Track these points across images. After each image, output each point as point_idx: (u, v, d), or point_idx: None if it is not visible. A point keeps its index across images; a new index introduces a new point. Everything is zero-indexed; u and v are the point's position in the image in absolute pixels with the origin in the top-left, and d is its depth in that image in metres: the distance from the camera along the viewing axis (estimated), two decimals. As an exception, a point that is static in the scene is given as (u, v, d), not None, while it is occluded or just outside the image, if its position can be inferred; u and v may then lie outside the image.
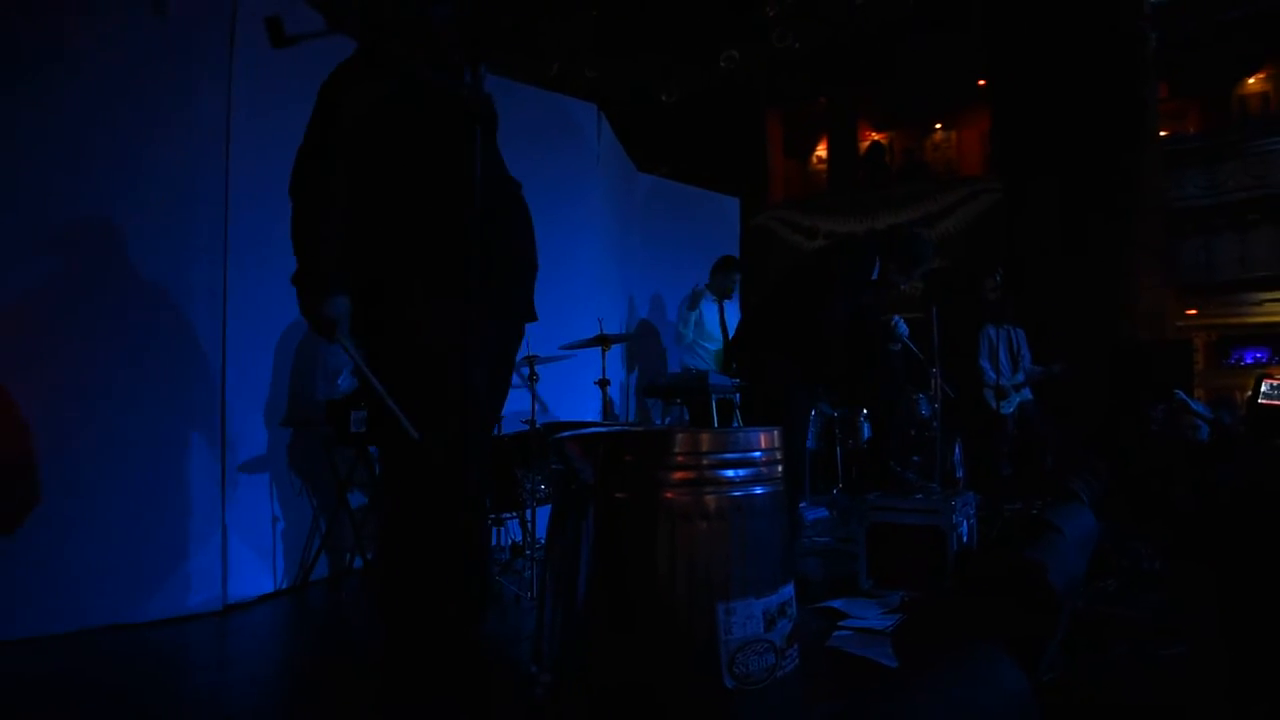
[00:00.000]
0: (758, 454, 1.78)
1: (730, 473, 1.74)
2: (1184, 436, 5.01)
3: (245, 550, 3.71)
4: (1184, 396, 5.01)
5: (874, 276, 4.10)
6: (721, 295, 6.21)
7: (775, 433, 1.87)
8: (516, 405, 4.13)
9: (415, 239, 2.29)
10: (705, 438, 1.75)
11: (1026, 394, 7.34)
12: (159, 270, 3.39)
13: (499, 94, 5.15)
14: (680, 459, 1.72)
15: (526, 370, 3.89)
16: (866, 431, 7.39)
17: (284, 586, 3.94)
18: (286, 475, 4.04)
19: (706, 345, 6.20)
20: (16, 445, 3.06)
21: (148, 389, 3.35)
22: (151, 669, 2.87)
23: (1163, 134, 11.70)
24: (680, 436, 1.75)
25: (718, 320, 6.18)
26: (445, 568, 2.31)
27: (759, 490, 1.77)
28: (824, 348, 3.99)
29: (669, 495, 1.71)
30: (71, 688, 2.70)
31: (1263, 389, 5.12)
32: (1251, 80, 14.29)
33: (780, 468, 1.85)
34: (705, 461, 1.72)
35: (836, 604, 3.45)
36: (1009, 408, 7.33)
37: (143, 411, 3.33)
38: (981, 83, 13.38)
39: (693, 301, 6.19)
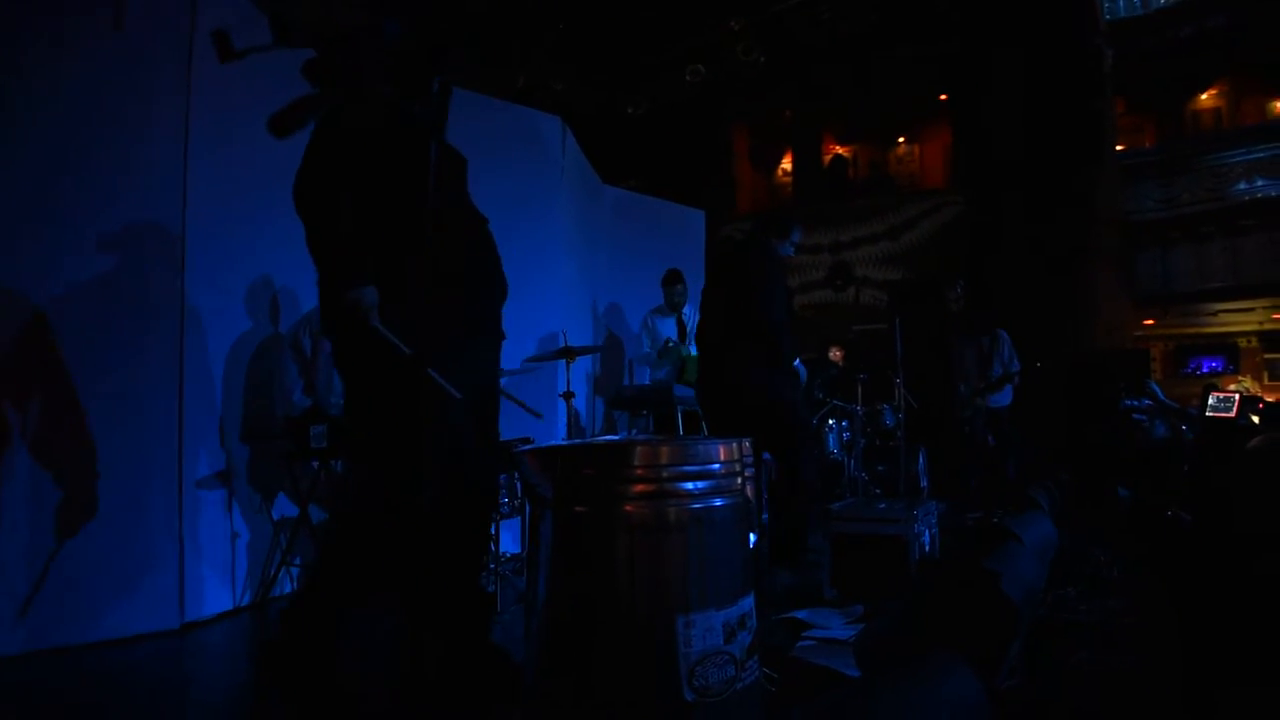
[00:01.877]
0: (717, 466, 1.78)
1: (690, 485, 1.74)
2: (1155, 433, 5.11)
3: (204, 567, 3.65)
4: (1155, 387, 5.11)
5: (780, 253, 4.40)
6: (671, 309, 6.23)
7: (735, 444, 1.87)
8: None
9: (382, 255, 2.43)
10: (664, 450, 1.75)
11: (996, 401, 7.35)
12: (116, 283, 3.33)
13: (462, 106, 5.15)
14: (639, 472, 1.72)
15: (490, 383, 3.86)
16: (832, 441, 7.44)
17: (244, 603, 3.88)
18: (246, 491, 3.99)
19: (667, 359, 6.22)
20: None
21: (104, 404, 3.29)
22: (104, 691, 2.81)
23: (1120, 148, 11.94)
24: (639, 449, 1.75)
25: (674, 333, 6.21)
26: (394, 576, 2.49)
27: (718, 502, 1.78)
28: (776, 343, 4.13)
29: (628, 508, 1.71)
30: (21, 711, 2.63)
31: (1210, 402, 5.21)
32: (1204, 96, 14.64)
33: (740, 480, 1.86)
34: (664, 474, 1.72)
35: (801, 614, 3.46)
36: (965, 414, 7.38)
37: (99, 426, 3.27)
38: (943, 97, 13.60)
39: (647, 323, 6.26)
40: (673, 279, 6.19)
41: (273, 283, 4.16)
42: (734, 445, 1.87)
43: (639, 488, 1.72)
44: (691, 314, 6.25)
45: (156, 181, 3.45)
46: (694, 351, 6.11)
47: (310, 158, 2.43)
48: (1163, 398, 4.85)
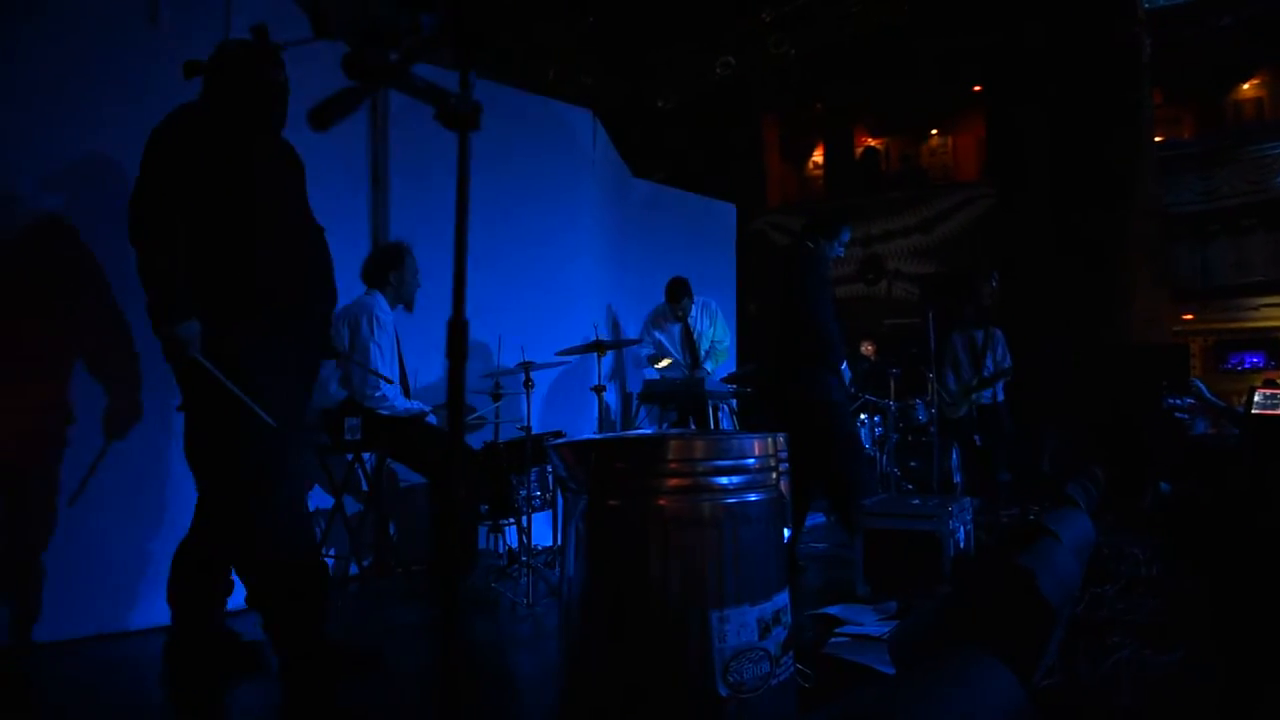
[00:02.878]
0: (752, 460, 1.77)
1: (724, 480, 1.73)
2: (1195, 430, 5.01)
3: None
4: (1201, 385, 5.00)
5: (830, 255, 4.53)
6: (675, 318, 6.08)
7: (770, 439, 1.86)
8: (513, 411, 4.13)
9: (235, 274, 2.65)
10: (699, 445, 1.74)
11: (988, 398, 7.26)
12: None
13: (494, 100, 5.15)
14: (673, 466, 1.71)
15: (522, 376, 3.87)
16: (864, 437, 7.39)
17: (279, 594, 3.92)
18: (281, 483, 4.03)
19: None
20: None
21: (140, 400, 3.34)
22: (144, 677, 2.86)
23: (1158, 139, 11.72)
24: (673, 444, 1.74)
25: (678, 340, 6.10)
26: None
27: (753, 497, 1.77)
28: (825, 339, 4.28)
29: (662, 502, 1.71)
30: (69, 694, 2.69)
31: (1256, 399, 5.08)
32: (1246, 86, 14.33)
33: (774, 475, 1.85)
34: (699, 469, 1.72)
35: (833, 610, 3.45)
36: (956, 414, 7.29)
37: (136, 422, 3.32)
38: (977, 89, 13.42)
39: (648, 330, 6.12)
40: (678, 292, 5.99)
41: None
42: (769, 440, 1.86)
43: (673, 482, 1.71)
44: (701, 320, 6.11)
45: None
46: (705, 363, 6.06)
47: (144, 181, 2.61)
48: (1208, 395, 4.74)
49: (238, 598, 2.99)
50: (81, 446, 3.19)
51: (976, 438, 7.27)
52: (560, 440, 1.86)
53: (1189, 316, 13.84)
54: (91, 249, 3.23)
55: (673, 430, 2.30)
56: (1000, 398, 7.22)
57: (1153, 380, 7.98)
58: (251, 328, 2.64)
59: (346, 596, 3.92)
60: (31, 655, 3.04)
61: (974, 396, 7.18)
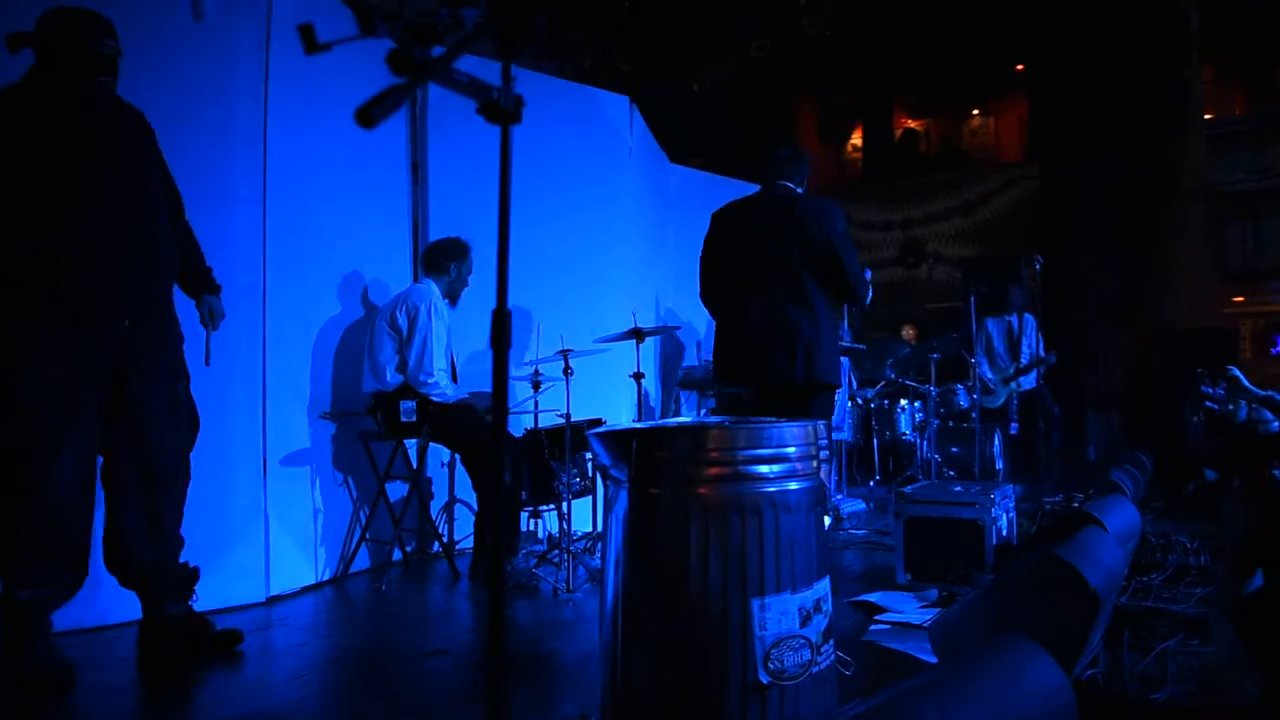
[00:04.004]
0: (792, 449, 1.78)
1: (764, 469, 1.74)
2: (1238, 418, 4.89)
3: (287, 542, 3.77)
4: (1238, 373, 4.88)
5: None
6: None
7: (811, 428, 1.86)
8: (552, 398, 4.17)
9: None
10: (739, 434, 1.75)
11: (1026, 384, 7.16)
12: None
13: (531, 87, 5.16)
14: (714, 455, 1.72)
15: (562, 364, 3.90)
16: (904, 423, 7.34)
17: (325, 578, 4.01)
18: (328, 468, 4.11)
19: None
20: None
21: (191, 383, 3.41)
22: (199, 656, 2.93)
23: (1208, 117, 11.43)
24: (714, 433, 1.75)
25: None
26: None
27: (794, 486, 1.77)
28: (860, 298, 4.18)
29: (702, 491, 1.72)
30: (120, 677, 2.77)
31: None
32: (1301, 60, 13.90)
33: (814, 463, 1.85)
34: (739, 458, 1.72)
35: (873, 597, 3.44)
36: (994, 402, 7.20)
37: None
38: (1019, 67, 13.17)
39: None
40: None
41: (353, 264, 4.26)
42: (810, 428, 1.86)
43: (713, 471, 1.72)
44: None
45: (238, 169, 3.55)
46: None
47: None
48: (1246, 383, 4.60)
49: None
50: None
51: (1013, 426, 7.18)
52: (601, 429, 1.87)
53: (1239, 299, 13.52)
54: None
55: (712, 419, 2.30)
56: (1034, 385, 7.13)
57: (1199, 365, 7.82)
58: (15, 308, 2.64)
59: (390, 579, 3.98)
60: None
61: (1013, 384, 7.10)
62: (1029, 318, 7.14)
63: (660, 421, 2.47)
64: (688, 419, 2.37)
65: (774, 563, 1.71)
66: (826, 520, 2.40)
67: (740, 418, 2.45)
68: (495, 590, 1.18)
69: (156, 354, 2.90)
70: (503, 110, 1.17)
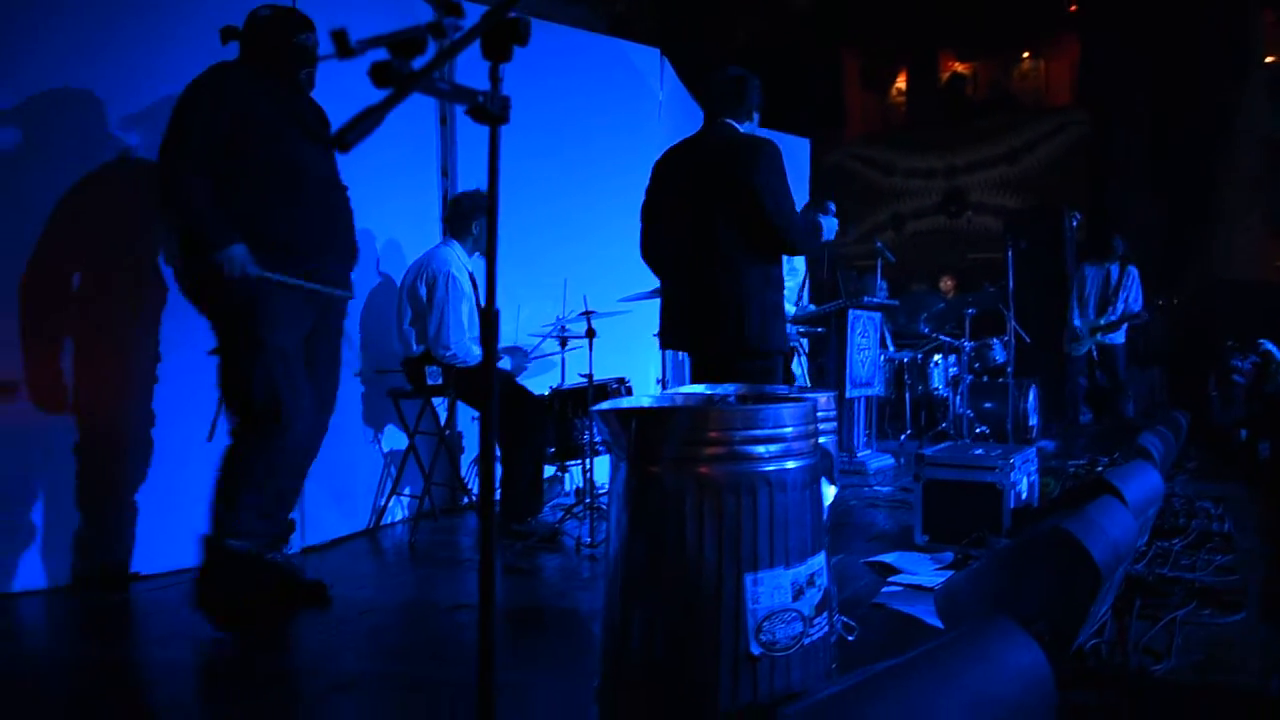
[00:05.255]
0: (789, 429, 1.81)
1: (760, 449, 1.77)
2: (1271, 393, 4.82)
3: (321, 495, 3.91)
4: (1271, 347, 4.79)
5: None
6: None
7: (810, 406, 1.89)
8: (576, 361, 4.22)
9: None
10: (738, 415, 1.79)
11: (1112, 338, 7.04)
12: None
13: (558, 41, 5.09)
14: (712, 436, 1.76)
15: (585, 324, 3.95)
16: (937, 377, 7.30)
17: (358, 530, 4.16)
18: (359, 424, 4.23)
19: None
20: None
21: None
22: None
23: (1268, 60, 10.96)
24: (713, 414, 1.79)
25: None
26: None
27: (790, 465, 1.81)
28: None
29: (702, 470, 1.76)
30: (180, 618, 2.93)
31: None
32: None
33: (812, 441, 1.89)
34: (736, 439, 1.76)
35: (889, 558, 3.49)
36: (1078, 350, 7.10)
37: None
38: (1073, 8, 12.71)
39: None
40: None
41: (386, 221, 4.31)
42: (809, 407, 1.89)
43: (711, 450, 1.76)
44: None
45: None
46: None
47: (170, 134, 2.80)
48: (1279, 356, 4.50)
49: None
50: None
51: (1099, 375, 7.12)
52: (603, 405, 1.92)
53: (1295, 250, 13.09)
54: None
55: (715, 395, 2.32)
56: (1121, 340, 7.04)
57: (1246, 320, 7.65)
58: (274, 268, 2.86)
59: (420, 532, 4.12)
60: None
61: (1099, 336, 6.99)
62: (1132, 269, 6.99)
63: (666, 395, 2.52)
64: (695, 391, 2.40)
65: (768, 539, 1.76)
66: (830, 491, 2.44)
67: (753, 389, 2.48)
68: (485, 603, 1.24)
69: (336, 314, 3.24)
70: (490, 113, 1.20)
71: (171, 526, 3.33)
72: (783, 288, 3.47)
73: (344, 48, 1.11)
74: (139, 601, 3.17)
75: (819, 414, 2.00)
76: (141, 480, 3.38)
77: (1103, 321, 6.95)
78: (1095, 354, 7.06)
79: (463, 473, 4.52)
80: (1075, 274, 7.33)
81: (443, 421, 4.26)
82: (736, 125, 3.42)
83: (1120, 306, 6.91)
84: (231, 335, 2.89)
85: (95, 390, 3.31)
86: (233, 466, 2.87)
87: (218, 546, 2.81)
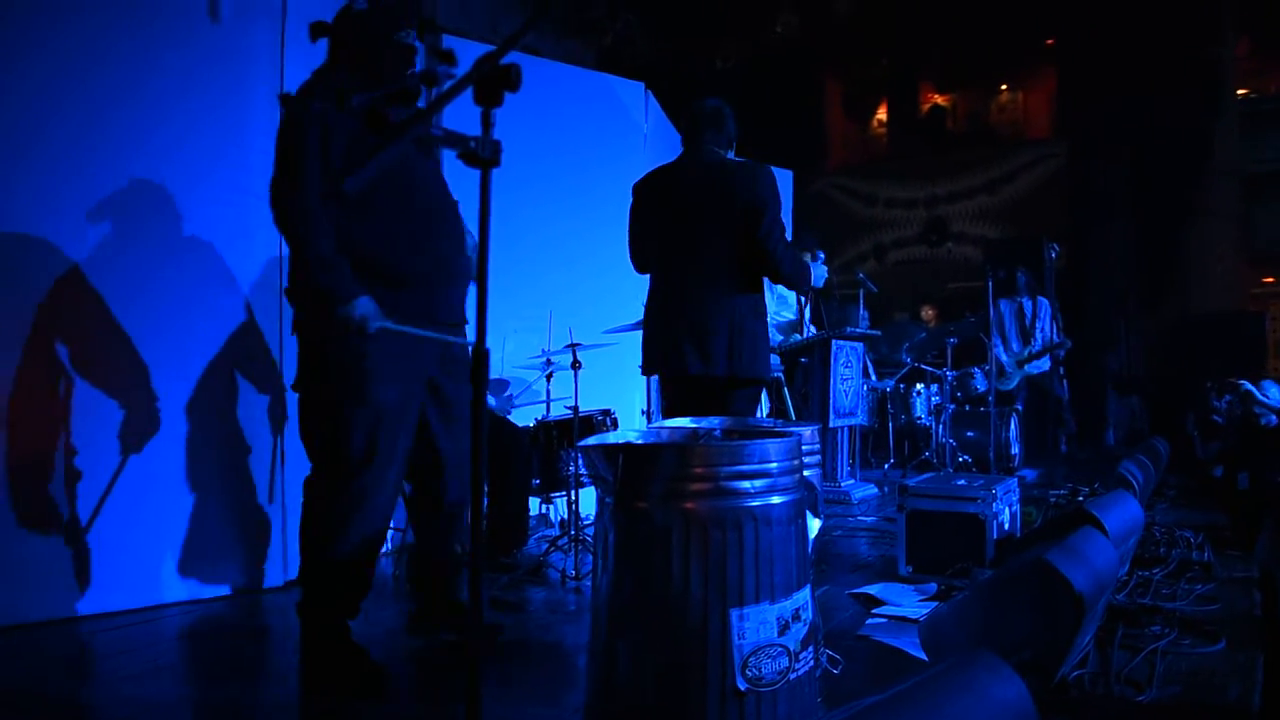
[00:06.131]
0: (774, 465, 1.83)
1: (747, 484, 1.79)
2: (1251, 424, 4.89)
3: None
4: (1250, 387, 4.86)
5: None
6: None
7: (795, 441, 1.92)
8: (561, 391, 4.24)
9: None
10: (724, 451, 1.81)
11: (1035, 368, 7.19)
12: (215, 267, 3.54)
13: (544, 76, 5.14)
14: (698, 472, 1.78)
15: (570, 356, 3.97)
16: (920, 406, 7.36)
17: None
18: (343, 456, 4.21)
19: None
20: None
21: (208, 376, 3.52)
22: (223, 641, 3.06)
23: (1242, 93, 11.21)
24: (700, 450, 1.82)
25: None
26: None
27: (775, 500, 1.83)
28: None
29: (687, 506, 1.78)
30: (145, 661, 2.90)
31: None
32: (1342, 33, 13.55)
33: (797, 476, 1.91)
34: (722, 474, 1.78)
35: (873, 589, 3.50)
36: (1007, 385, 7.22)
37: (207, 398, 3.51)
38: (1050, 41, 12.95)
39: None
40: None
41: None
42: (794, 442, 1.91)
43: (697, 486, 1.78)
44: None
45: (254, 165, 3.61)
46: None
47: (281, 163, 2.50)
48: (1260, 397, 4.57)
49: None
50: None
51: (1018, 408, 7.22)
52: (590, 441, 1.94)
53: (1270, 280, 13.32)
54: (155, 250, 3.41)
55: (700, 429, 2.34)
56: (1046, 367, 7.18)
57: (1224, 349, 7.76)
58: (385, 310, 2.54)
59: (404, 563, 4.09)
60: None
61: (1027, 368, 7.13)
62: (1043, 301, 7.16)
63: (652, 430, 2.53)
64: (681, 425, 2.43)
65: (754, 575, 1.77)
66: (815, 523, 2.46)
67: (737, 422, 2.51)
68: (474, 637, 1.25)
69: (460, 357, 2.87)
70: (481, 158, 1.23)
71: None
72: (767, 316, 3.51)
73: (341, 102, 1.13)
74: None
75: (803, 448, 2.02)
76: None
77: (1025, 353, 7.10)
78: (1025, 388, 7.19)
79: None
80: (993, 313, 7.43)
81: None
82: (722, 153, 3.43)
83: (1039, 337, 7.08)
84: (329, 381, 2.60)
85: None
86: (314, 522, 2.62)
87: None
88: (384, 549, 4.31)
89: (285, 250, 3.69)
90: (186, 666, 2.94)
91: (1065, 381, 7.37)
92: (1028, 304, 7.24)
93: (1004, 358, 7.23)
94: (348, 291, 2.46)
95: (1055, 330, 7.08)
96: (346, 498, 2.56)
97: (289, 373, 3.73)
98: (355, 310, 2.46)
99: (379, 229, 2.56)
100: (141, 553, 3.34)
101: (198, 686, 2.77)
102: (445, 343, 2.72)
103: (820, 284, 3.80)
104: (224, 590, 3.55)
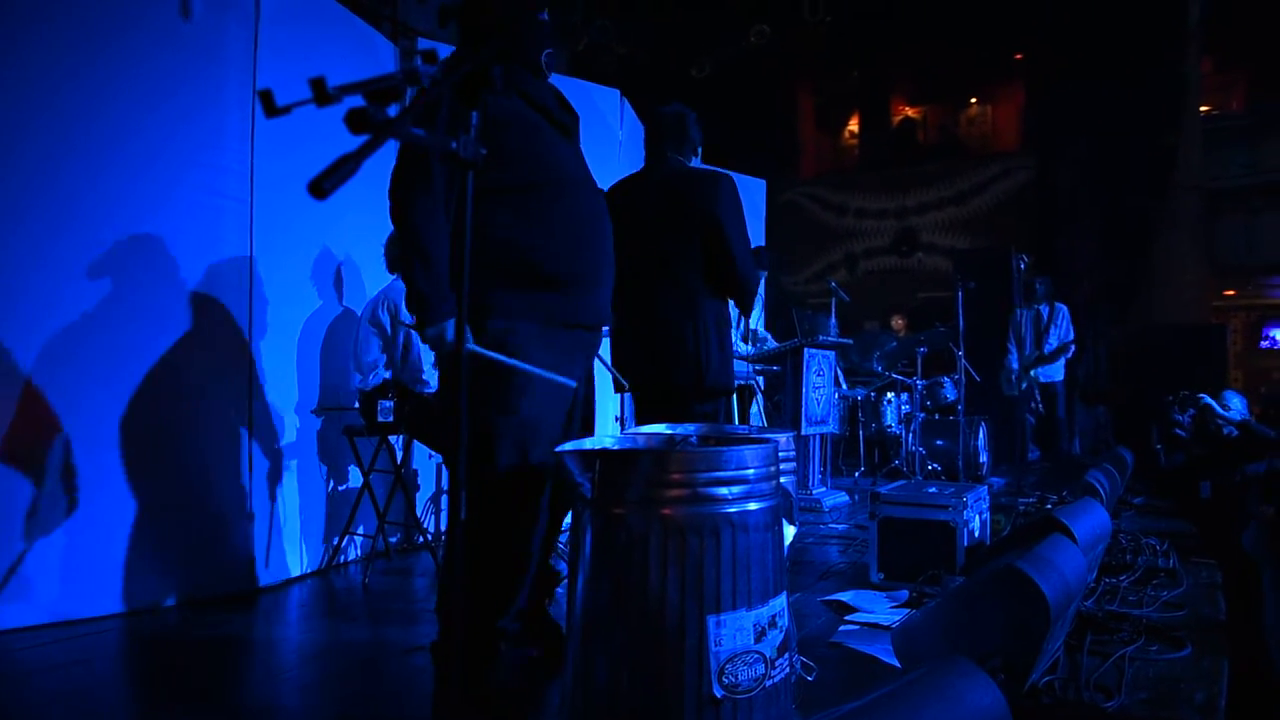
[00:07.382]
0: (751, 472, 1.83)
1: (724, 490, 1.79)
2: (1212, 436, 4.97)
3: (274, 535, 3.84)
4: (1210, 401, 4.95)
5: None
6: None
7: (772, 449, 1.92)
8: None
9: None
10: (701, 457, 1.81)
11: (1050, 376, 7.30)
12: (185, 267, 3.48)
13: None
14: (675, 478, 1.78)
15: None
16: (890, 415, 7.41)
17: (310, 570, 4.08)
18: (314, 462, 4.17)
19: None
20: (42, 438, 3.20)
21: (179, 381, 3.46)
22: (181, 652, 3.01)
23: (1205, 109, 11.43)
24: (677, 456, 1.81)
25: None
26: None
27: (752, 506, 1.83)
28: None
29: (665, 512, 1.77)
30: (96, 674, 2.84)
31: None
32: (1301, 52, 13.87)
33: (774, 482, 1.91)
34: (699, 480, 1.78)
35: (845, 596, 3.52)
36: (1012, 390, 7.36)
37: (175, 403, 3.45)
38: (1019, 56, 13.15)
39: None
40: None
41: (337, 261, 4.30)
42: (771, 449, 1.92)
43: (674, 493, 1.78)
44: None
45: (226, 168, 3.58)
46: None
47: (402, 159, 2.29)
48: (1220, 411, 4.65)
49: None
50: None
51: (1029, 416, 7.34)
52: (567, 447, 1.93)
53: (1231, 292, 13.59)
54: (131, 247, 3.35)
55: (676, 436, 2.33)
56: (1060, 377, 7.33)
57: (1185, 361, 7.91)
58: (530, 316, 2.35)
59: (375, 572, 4.05)
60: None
61: (1034, 374, 7.25)
62: (1061, 307, 7.30)
63: (629, 436, 2.53)
64: (657, 431, 2.42)
65: (730, 581, 1.77)
66: (790, 531, 2.46)
67: (713, 429, 2.51)
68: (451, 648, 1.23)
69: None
70: (463, 160, 1.22)
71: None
72: (730, 325, 3.50)
73: (321, 94, 1.12)
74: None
75: (779, 454, 2.03)
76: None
77: (1033, 357, 7.23)
78: (1036, 393, 7.30)
79: (418, 511, 4.47)
80: (1011, 319, 7.59)
81: (399, 459, 4.21)
82: (683, 161, 3.39)
83: (1053, 342, 7.20)
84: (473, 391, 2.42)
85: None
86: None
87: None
88: (357, 555, 4.28)
89: (254, 251, 3.66)
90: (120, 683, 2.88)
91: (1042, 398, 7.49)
92: (1045, 310, 7.38)
93: (1014, 364, 7.38)
94: (441, 311, 2.24)
95: (1071, 334, 7.25)
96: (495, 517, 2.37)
97: (261, 375, 3.71)
98: (446, 333, 2.25)
99: (533, 233, 2.35)
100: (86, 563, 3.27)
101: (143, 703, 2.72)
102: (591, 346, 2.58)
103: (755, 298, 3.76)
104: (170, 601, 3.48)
